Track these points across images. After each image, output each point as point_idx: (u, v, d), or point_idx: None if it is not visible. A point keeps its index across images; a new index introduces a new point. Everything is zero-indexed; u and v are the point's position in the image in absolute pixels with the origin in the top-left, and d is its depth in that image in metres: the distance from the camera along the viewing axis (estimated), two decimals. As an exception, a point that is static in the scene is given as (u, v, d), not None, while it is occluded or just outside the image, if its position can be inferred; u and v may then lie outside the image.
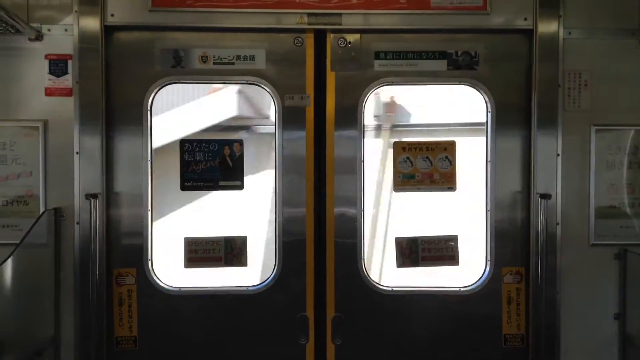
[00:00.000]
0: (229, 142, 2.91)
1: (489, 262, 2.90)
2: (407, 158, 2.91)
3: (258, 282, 2.89)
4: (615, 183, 2.89)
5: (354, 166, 2.87)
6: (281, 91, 2.85)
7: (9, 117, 2.78)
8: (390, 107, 4.54)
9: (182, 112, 4.30)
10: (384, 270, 4.27)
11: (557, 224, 2.83)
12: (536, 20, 2.82)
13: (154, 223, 2.87)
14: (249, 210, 3.61)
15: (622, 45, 2.87)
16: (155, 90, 2.84)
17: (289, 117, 2.85)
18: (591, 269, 2.88)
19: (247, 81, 2.88)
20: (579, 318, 2.87)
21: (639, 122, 2.89)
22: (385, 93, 4.35)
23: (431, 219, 3.63)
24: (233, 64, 2.86)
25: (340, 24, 2.83)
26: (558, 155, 2.84)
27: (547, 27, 2.83)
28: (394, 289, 2.90)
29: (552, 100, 2.83)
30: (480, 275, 2.91)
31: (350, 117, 2.86)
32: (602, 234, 2.88)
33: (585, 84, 2.86)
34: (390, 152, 2.97)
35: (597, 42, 2.87)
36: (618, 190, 2.89)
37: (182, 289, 2.87)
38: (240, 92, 4.34)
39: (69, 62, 2.78)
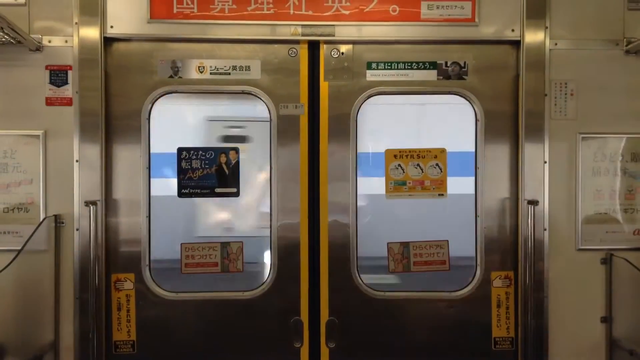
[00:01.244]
0: (225, 150, 2.98)
1: (478, 267, 2.96)
2: (399, 165, 2.98)
3: (253, 287, 2.95)
4: (601, 189, 2.95)
5: (347, 174, 2.94)
6: (276, 100, 2.92)
7: (11, 126, 2.84)
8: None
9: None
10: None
11: (545, 229, 2.90)
12: (523, 31, 2.90)
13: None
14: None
15: (607, 55, 2.94)
16: (153, 100, 2.90)
17: (284, 126, 2.93)
18: (578, 273, 2.94)
19: (242, 91, 2.94)
20: (566, 321, 2.93)
21: (624, 130, 2.96)
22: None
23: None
24: (229, 74, 2.93)
25: (334, 35, 2.90)
26: (545, 162, 2.90)
27: (534, 37, 2.90)
28: (387, 293, 2.96)
29: (539, 109, 2.90)
30: (471, 279, 2.98)
31: (343, 125, 2.93)
32: (589, 239, 2.94)
33: (572, 93, 2.93)
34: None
35: (583, 52, 2.94)
36: (604, 197, 2.96)
37: (179, 294, 2.93)
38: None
39: (69, 73, 2.84)
